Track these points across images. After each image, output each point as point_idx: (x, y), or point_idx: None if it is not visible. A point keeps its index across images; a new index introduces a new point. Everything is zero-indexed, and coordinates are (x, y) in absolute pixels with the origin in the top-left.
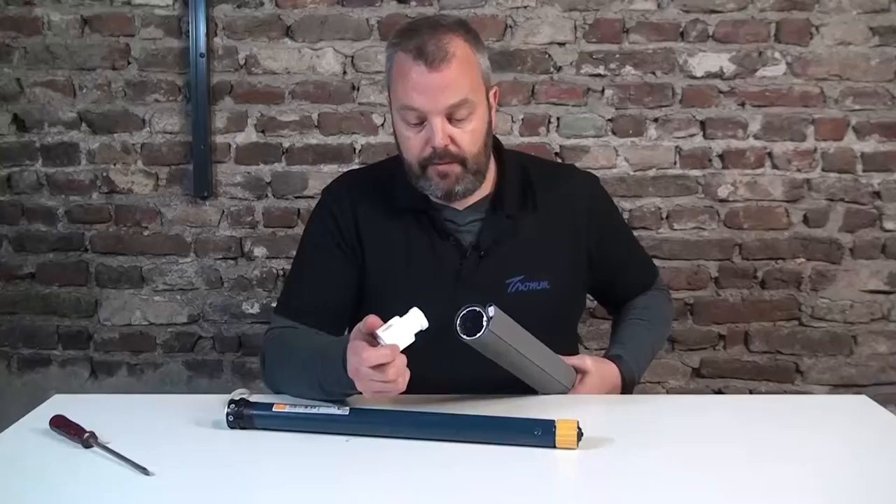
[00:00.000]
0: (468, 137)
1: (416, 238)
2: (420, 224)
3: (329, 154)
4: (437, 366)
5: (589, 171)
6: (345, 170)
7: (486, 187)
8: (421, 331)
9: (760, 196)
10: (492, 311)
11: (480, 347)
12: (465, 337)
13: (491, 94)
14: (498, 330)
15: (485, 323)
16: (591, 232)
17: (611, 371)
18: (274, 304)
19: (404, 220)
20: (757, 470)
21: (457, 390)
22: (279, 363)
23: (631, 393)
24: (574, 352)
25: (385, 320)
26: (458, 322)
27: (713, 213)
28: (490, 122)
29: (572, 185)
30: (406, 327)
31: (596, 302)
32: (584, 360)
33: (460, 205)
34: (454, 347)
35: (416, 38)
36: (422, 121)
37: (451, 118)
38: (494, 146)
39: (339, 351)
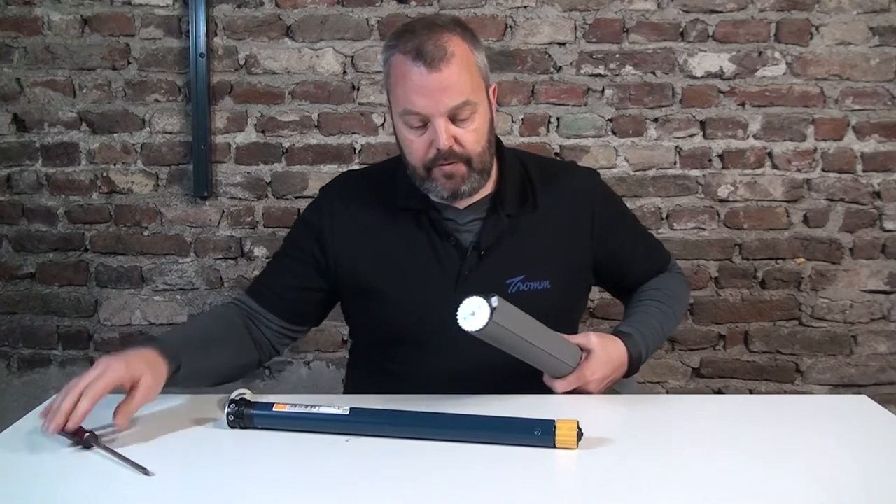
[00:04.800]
0: (472, 136)
1: (416, 238)
2: (420, 224)
3: (329, 154)
4: (438, 362)
5: (589, 167)
6: (345, 170)
7: (488, 186)
8: None
9: (760, 196)
10: (495, 301)
11: (484, 337)
12: (469, 329)
13: (490, 91)
14: (502, 320)
15: (489, 314)
16: (595, 229)
17: (617, 348)
18: None
19: (404, 220)
20: (757, 470)
21: (458, 386)
22: None
23: (637, 371)
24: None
25: (386, 320)
26: (459, 313)
27: (713, 213)
28: (492, 120)
29: (573, 182)
30: None
31: (596, 302)
32: (590, 338)
33: (461, 204)
34: (455, 344)
35: (413, 40)
36: (424, 123)
37: (453, 119)
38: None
39: (153, 343)
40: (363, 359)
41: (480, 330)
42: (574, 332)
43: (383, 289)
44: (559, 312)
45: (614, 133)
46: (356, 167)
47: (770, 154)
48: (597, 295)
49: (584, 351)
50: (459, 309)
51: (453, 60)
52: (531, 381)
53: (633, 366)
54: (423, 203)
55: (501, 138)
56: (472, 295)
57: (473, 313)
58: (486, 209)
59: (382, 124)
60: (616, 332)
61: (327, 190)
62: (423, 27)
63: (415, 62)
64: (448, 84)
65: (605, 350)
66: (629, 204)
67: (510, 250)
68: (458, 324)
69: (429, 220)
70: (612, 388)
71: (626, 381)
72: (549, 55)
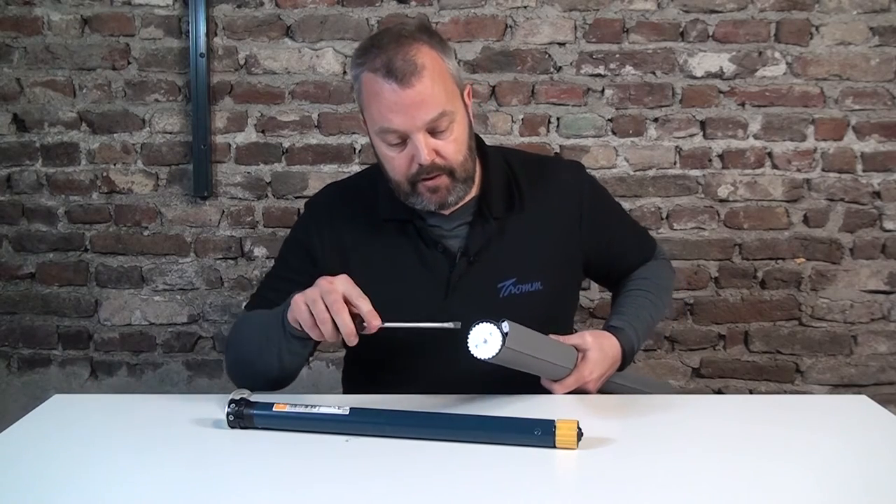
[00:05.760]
0: (452, 147)
1: (402, 248)
2: (406, 233)
3: (329, 154)
4: (431, 373)
5: (574, 160)
6: (345, 170)
7: (472, 190)
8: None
9: (760, 196)
10: (506, 326)
11: (495, 361)
12: (482, 356)
13: (465, 94)
14: (514, 344)
15: (501, 340)
16: (584, 224)
17: (611, 344)
18: None
19: (390, 230)
20: (757, 470)
21: (452, 392)
22: (237, 332)
23: (629, 363)
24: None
25: (374, 333)
26: (470, 341)
27: (713, 213)
28: (470, 125)
29: (558, 179)
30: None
31: (596, 302)
32: (585, 338)
33: (446, 210)
34: (448, 355)
35: (381, 55)
36: (403, 140)
37: (432, 132)
38: (477, 145)
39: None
40: (357, 369)
41: (494, 357)
42: (569, 330)
43: (374, 301)
44: (552, 312)
45: (614, 133)
46: (356, 167)
47: (770, 154)
48: (597, 295)
49: (580, 351)
50: (469, 337)
51: (425, 73)
52: (526, 385)
53: (626, 359)
54: (408, 212)
55: (501, 139)
56: (462, 304)
57: (485, 340)
58: (472, 213)
59: None
60: (608, 328)
61: (312, 206)
62: (389, 40)
63: (386, 79)
64: (422, 98)
65: (600, 349)
66: (629, 205)
67: (499, 254)
68: (449, 330)
69: (414, 228)
70: (631, 388)
71: (648, 378)
72: (549, 55)
